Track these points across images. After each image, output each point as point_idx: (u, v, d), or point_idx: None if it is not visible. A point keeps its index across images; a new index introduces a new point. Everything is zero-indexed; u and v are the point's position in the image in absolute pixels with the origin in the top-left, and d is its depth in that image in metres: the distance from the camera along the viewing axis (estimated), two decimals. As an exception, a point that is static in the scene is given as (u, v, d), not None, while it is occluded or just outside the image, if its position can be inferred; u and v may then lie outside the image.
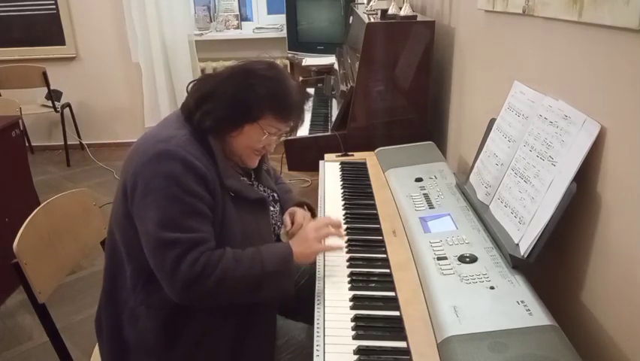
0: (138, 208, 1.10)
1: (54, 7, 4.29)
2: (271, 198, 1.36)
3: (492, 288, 1.01)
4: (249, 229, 1.20)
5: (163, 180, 1.07)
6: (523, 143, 1.20)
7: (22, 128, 2.72)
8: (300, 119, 1.25)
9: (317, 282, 1.16)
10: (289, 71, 4.39)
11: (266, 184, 1.36)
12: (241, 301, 1.15)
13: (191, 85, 1.24)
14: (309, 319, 1.37)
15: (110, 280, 1.23)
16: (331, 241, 1.25)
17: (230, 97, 1.15)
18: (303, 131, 2.38)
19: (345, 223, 1.41)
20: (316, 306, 1.08)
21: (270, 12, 4.52)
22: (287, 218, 1.38)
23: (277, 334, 1.26)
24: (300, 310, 1.47)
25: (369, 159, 1.85)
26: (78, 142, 4.48)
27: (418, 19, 2.10)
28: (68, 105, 4.27)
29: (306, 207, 1.45)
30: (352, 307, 1.06)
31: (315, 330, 1.01)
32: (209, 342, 1.18)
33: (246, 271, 1.10)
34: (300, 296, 1.47)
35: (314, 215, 1.46)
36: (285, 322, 1.33)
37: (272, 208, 1.34)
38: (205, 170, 1.10)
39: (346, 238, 1.33)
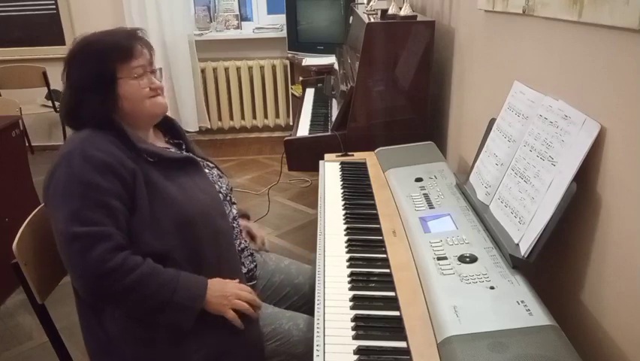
0: (50, 215, 1.14)
1: (54, 7, 4.29)
2: (205, 165, 1.38)
3: (492, 288, 1.01)
4: (189, 188, 1.23)
5: (63, 180, 1.12)
6: (523, 143, 1.20)
7: (22, 128, 2.72)
8: (145, 46, 1.26)
9: (317, 282, 1.16)
10: (289, 71, 4.40)
11: (198, 155, 1.39)
12: (138, 315, 1.16)
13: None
14: (302, 306, 1.38)
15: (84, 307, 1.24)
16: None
17: (79, 85, 1.20)
18: (303, 131, 2.39)
19: (345, 223, 1.41)
20: (316, 306, 1.08)
21: (270, 12, 4.53)
22: (246, 237, 1.47)
23: (263, 322, 1.27)
24: (294, 306, 1.47)
25: (369, 159, 1.85)
26: (78, 142, 4.48)
27: (418, 19, 2.10)
28: (68, 105, 4.27)
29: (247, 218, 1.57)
30: (352, 307, 1.06)
31: (315, 330, 1.01)
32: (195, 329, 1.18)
33: (155, 291, 1.11)
34: (300, 290, 1.48)
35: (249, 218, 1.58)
36: (273, 310, 1.34)
37: (207, 170, 1.36)
38: (104, 156, 1.13)
39: (346, 238, 1.33)
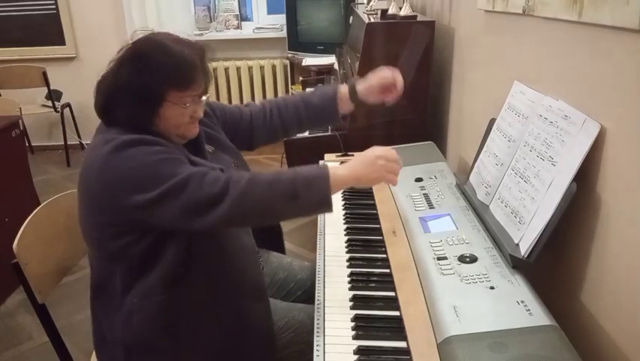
0: (127, 201, 1.04)
1: (54, 7, 4.29)
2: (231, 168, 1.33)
3: (492, 288, 1.02)
4: None
5: (130, 162, 1.05)
6: (523, 143, 1.20)
7: (22, 128, 2.72)
8: (206, 76, 1.17)
9: (317, 282, 1.16)
10: (289, 71, 4.40)
11: (220, 161, 1.32)
12: (274, 214, 1.11)
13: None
14: (308, 300, 1.36)
15: (96, 293, 1.22)
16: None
17: (126, 88, 1.10)
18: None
19: (345, 223, 1.41)
20: (316, 306, 1.08)
21: (270, 12, 4.53)
22: (375, 78, 1.40)
23: (276, 316, 1.27)
24: (299, 300, 1.47)
25: (369, 159, 1.85)
26: (78, 142, 4.48)
27: (418, 19, 2.10)
28: (68, 105, 4.27)
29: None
30: (352, 307, 1.06)
31: (315, 330, 1.01)
32: (207, 330, 1.17)
33: (276, 176, 1.06)
34: (303, 285, 1.48)
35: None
36: (283, 303, 1.34)
37: None
38: (162, 141, 1.09)
39: (346, 238, 1.33)
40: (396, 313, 1.04)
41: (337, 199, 1.56)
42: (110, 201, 1.07)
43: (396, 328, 1.00)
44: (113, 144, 1.07)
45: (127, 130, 1.11)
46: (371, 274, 1.18)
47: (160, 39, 1.14)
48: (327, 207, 1.08)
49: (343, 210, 1.49)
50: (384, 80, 1.41)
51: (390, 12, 2.13)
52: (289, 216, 1.17)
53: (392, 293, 1.10)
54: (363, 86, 1.42)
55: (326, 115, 1.47)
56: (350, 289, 1.13)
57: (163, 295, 1.13)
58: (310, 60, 3.70)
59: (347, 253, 1.27)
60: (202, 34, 4.37)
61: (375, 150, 1.17)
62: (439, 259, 1.13)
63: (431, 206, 1.38)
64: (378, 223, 1.39)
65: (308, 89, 3.11)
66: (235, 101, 4.52)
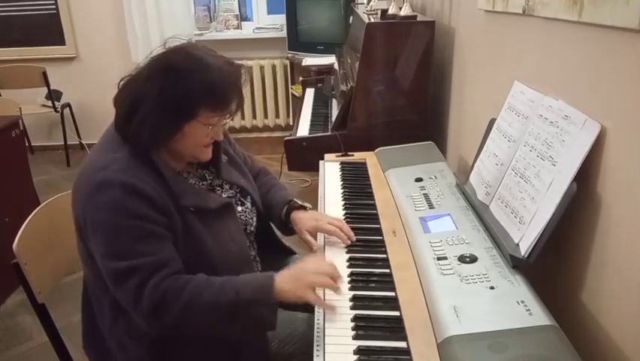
0: (92, 245, 1.06)
1: (54, 7, 4.29)
2: (238, 195, 1.29)
3: (492, 288, 1.01)
4: (222, 237, 1.16)
5: (105, 211, 1.02)
6: (524, 143, 1.20)
7: (22, 128, 2.72)
8: (238, 99, 1.13)
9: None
10: (289, 71, 4.39)
11: (229, 179, 1.28)
12: (214, 333, 1.10)
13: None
14: (308, 308, 1.35)
15: (89, 312, 1.22)
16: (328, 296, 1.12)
17: (156, 100, 1.05)
18: (303, 131, 2.39)
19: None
20: (316, 306, 1.08)
21: (270, 12, 4.52)
22: (310, 238, 1.32)
23: (279, 328, 1.26)
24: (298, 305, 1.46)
25: (369, 159, 1.85)
26: (78, 142, 4.48)
27: (418, 19, 2.10)
28: (68, 105, 4.27)
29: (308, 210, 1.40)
30: (352, 308, 1.06)
31: (315, 330, 1.01)
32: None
33: (216, 296, 1.03)
34: None
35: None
36: (286, 314, 1.33)
37: (240, 208, 1.27)
38: (149, 189, 1.04)
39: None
40: (397, 313, 1.04)
41: (337, 199, 1.56)
42: (85, 234, 1.07)
43: (396, 328, 1.00)
44: (99, 179, 1.03)
45: (136, 150, 1.08)
46: (371, 274, 1.18)
47: (199, 54, 1.08)
48: (269, 330, 1.11)
49: (343, 210, 1.49)
50: (321, 232, 1.33)
51: (390, 12, 2.13)
52: (222, 334, 1.12)
53: (392, 293, 1.10)
54: (297, 219, 1.36)
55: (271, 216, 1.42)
56: (350, 289, 1.13)
57: (152, 338, 1.11)
58: (310, 60, 3.70)
59: (347, 253, 1.27)
60: (202, 34, 4.37)
61: (305, 268, 1.12)
62: (439, 259, 1.13)
63: (431, 206, 1.38)
64: (378, 223, 1.39)
65: (307, 89, 3.11)
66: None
